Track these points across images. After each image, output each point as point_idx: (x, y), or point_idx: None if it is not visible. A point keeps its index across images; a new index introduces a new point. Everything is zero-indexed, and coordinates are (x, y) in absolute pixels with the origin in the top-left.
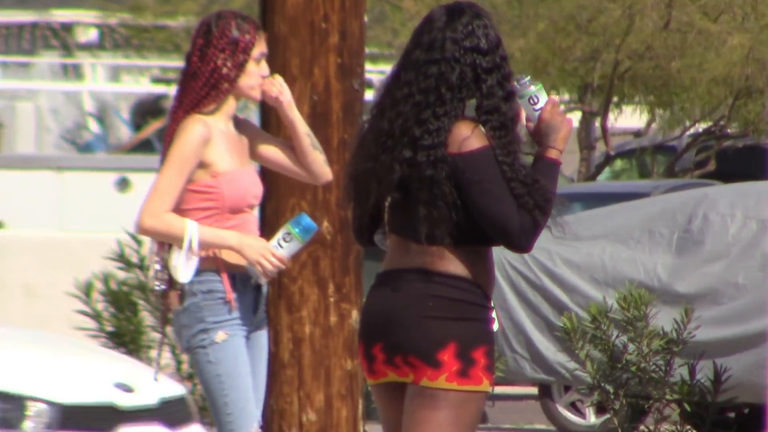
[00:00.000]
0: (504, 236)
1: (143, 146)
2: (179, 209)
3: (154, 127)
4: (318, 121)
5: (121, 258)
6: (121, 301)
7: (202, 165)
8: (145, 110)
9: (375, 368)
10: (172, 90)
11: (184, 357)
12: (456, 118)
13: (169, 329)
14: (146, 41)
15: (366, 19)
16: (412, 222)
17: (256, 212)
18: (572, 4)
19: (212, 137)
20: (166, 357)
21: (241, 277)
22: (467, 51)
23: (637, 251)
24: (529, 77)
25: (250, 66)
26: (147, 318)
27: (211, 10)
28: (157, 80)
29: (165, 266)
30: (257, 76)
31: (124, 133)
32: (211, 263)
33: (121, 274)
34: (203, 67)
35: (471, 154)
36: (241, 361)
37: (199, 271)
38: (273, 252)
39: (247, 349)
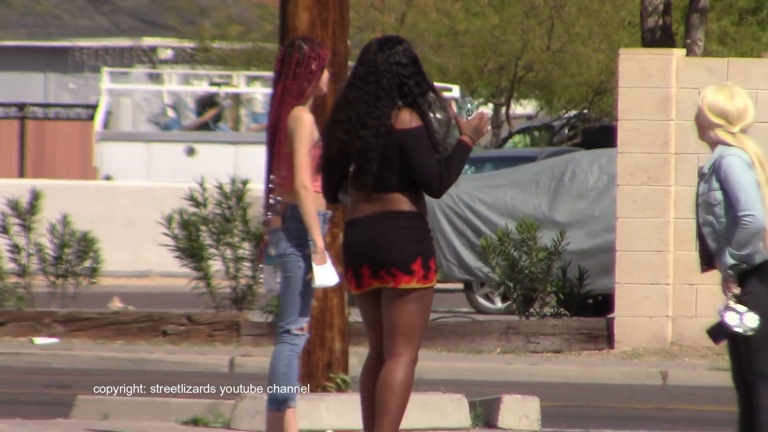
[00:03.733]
0: (427, 186)
1: (203, 126)
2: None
3: (210, 114)
4: (318, 110)
5: (192, 199)
6: (190, 228)
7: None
8: (205, 103)
9: (362, 282)
10: (222, 90)
11: (231, 264)
12: (395, 108)
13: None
14: (205, 59)
15: (349, 42)
16: (370, 178)
17: None
18: (487, 35)
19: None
20: (218, 265)
21: (322, 215)
22: (392, 65)
23: (528, 195)
24: (470, 97)
25: (324, 72)
26: (206, 240)
27: (251, 34)
28: (212, 84)
29: (272, 205)
30: (326, 79)
31: (191, 117)
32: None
33: (191, 210)
34: (303, 72)
35: (412, 130)
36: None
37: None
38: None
39: None
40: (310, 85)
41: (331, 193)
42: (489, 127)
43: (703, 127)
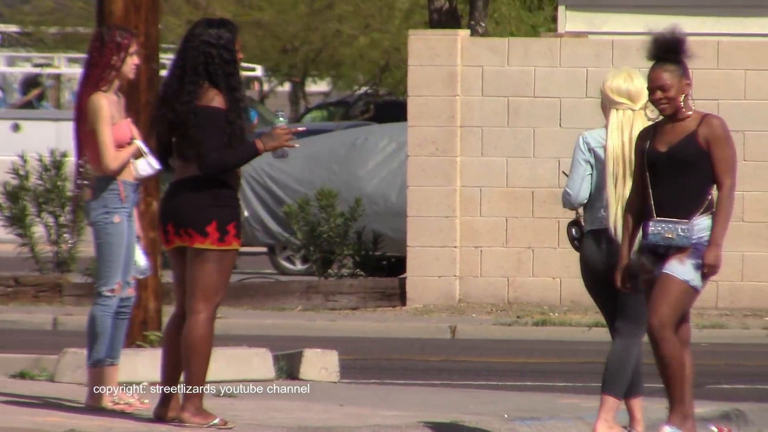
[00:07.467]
0: (198, 159)
1: (28, 105)
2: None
3: (34, 94)
4: (133, 89)
5: (15, 171)
6: (14, 197)
7: None
8: (29, 83)
9: (168, 239)
10: (45, 71)
11: (53, 230)
12: (203, 85)
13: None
14: (29, 42)
15: (160, 26)
16: (178, 148)
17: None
18: (282, 17)
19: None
20: (41, 231)
21: (129, 184)
22: (205, 46)
23: (325, 163)
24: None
25: (128, 59)
26: (29, 208)
27: (69, 19)
28: (36, 65)
29: (83, 176)
30: (132, 65)
31: (16, 97)
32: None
33: (14, 182)
34: (101, 61)
35: (209, 107)
36: (123, 238)
37: (108, 179)
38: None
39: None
40: (108, 73)
41: (161, 160)
42: (290, 141)
43: (607, 107)
